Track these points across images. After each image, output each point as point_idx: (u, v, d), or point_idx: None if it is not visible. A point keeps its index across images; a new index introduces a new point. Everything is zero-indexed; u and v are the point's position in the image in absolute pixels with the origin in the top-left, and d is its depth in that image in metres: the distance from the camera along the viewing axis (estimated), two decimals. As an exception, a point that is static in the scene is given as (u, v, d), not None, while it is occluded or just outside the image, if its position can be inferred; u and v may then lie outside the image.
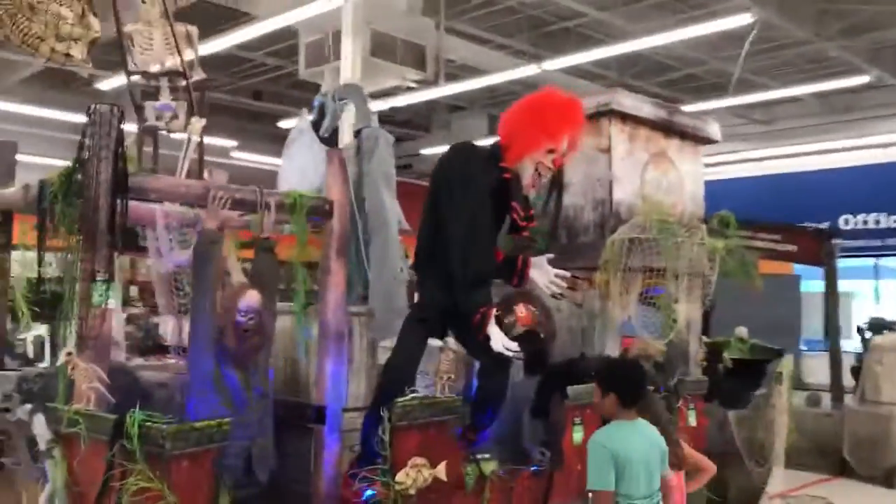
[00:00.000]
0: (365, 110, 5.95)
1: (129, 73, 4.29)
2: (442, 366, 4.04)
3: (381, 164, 5.79)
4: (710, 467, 5.02)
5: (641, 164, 6.41)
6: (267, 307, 4.09)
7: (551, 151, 4.51)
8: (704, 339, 7.27)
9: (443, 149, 5.88)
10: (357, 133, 5.82)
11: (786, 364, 6.93)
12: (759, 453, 6.63)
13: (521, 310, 4.43)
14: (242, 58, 13.71)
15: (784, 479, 7.42)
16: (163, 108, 4.47)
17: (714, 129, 6.99)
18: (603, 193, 6.18)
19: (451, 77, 11.44)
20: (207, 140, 4.63)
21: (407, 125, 17.41)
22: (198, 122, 4.26)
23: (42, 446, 3.63)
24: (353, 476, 4.01)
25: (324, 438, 4.39)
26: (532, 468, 4.66)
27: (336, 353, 4.45)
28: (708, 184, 7.15)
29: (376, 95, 11.72)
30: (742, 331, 8.64)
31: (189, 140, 4.26)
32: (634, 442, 3.89)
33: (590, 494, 3.78)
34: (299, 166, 6.03)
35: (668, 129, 6.63)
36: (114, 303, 3.67)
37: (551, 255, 5.19)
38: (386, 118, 18.01)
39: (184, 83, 4.52)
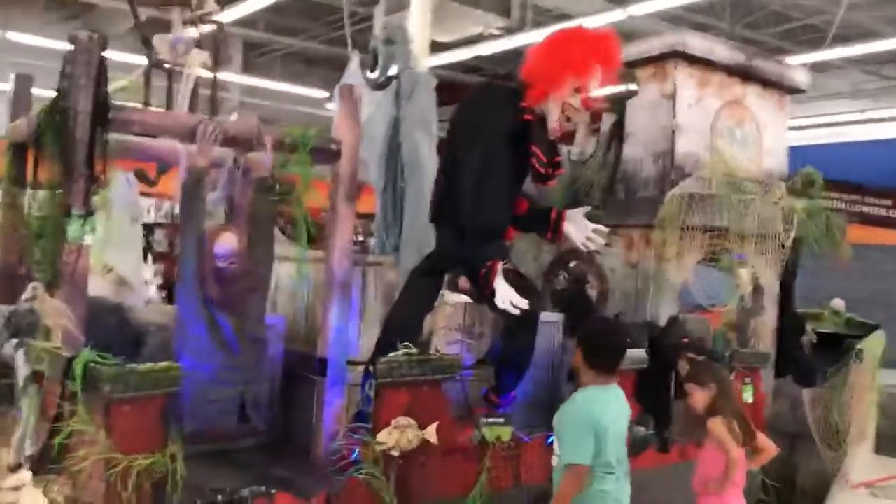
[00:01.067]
0: (406, 52, 5.64)
1: (132, 4, 4.11)
2: (439, 321, 3.72)
3: (419, 107, 5.48)
4: (771, 448, 4.52)
5: (712, 112, 5.83)
6: (260, 250, 3.87)
7: (579, 91, 4.07)
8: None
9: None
10: (398, 76, 5.54)
11: (873, 341, 6.22)
12: (833, 437, 6.00)
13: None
14: (335, 6, 13.56)
15: (871, 466, 6.75)
16: (176, 42, 4.31)
17: (801, 77, 6.29)
18: (665, 144, 5.65)
19: (539, 24, 10.87)
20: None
21: (505, 78, 16.88)
22: (198, 55, 4.06)
23: (20, 383, 3.56)
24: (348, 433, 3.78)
25: (324, 391, 4.16)
26: (548, 438, 4.29)
27: (341, 302, 4.19)
28: (827, 146, 6.46)
29: (459, 44, 11.35)
30: (838, 303, 7.88)
31: (188, 74, 4.04)
32: (612, 409, 3.62)
33: (563, 467, 3.45)
34: (353, 112, 5.81)
35: (746, 75, 6.00)
36: (90, 239, 3.53)
37: (587, 208, 4.78)
38: (474, 69, 17.69)
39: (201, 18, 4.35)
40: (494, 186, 3.97)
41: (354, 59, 6.00)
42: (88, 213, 3.50)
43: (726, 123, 5.91)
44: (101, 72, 3.53)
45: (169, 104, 4.18)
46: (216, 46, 4.44)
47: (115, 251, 4.58)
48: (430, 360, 3.66)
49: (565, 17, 10.77)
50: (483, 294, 3.93)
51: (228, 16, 15.15)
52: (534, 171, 4.13)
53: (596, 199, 5.83)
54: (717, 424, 4.12)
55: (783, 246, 5.78)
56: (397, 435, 3.51)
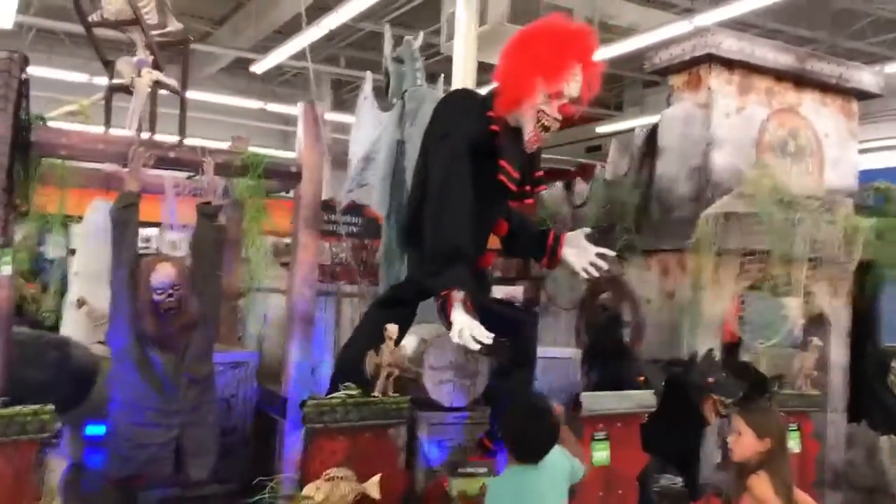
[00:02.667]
0: (415, 71, 5.27)
1: (86, 24, 3.93)
2: (384, 357, 3.28)
3: (424, 128, 5.09)
4: None
5: (758, 122, 5.17)
6: (203, 281, 3.56)
7: (555, 97, 3.56)
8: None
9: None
10: (402, 96, 5.18)
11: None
12: (918, 493, 5.14)
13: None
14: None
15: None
16: (140, 64, 4.10)
17: (870, 79, 5.52)
18: (700, 159, 5.03)
19: (604, 42, 10.29)
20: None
21: (595, 104, 16.31)
22: (147, 75, 3.81)
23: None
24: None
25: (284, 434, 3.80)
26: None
27: (302, 337, 3.84)
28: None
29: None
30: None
31: (137, 93, 3.80)
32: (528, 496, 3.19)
33: None
34: (366, 135, 5.50)
35: (799, 79, 5.31)
36: (8, 270, 3.30)
37: (588, 230, 4.24)
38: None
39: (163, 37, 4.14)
40: (457, 204, 3.50)
41: (368, 81, 5.69)
42: (6, 243, 3.28)
43: (776, 134, 5.23)
44: (22, 93, 3.33)
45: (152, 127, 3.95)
46: (184, 66, 4.18)
47: (89, 284, 4.37)
48: (371, 402, 3.22)
49: (632, 30, 10.17)
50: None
51: (314, 55, 15.43)
52: (506, 189, 3.64)
53: (629, 221, 5.25)
54: (762, 483, 3.43)
55: (846, 271, 5.04)
56: (327, 489, 3.08)
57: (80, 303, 4.40)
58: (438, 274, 3.46)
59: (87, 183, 4.27)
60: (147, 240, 4.68)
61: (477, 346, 3.42)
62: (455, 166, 3.52)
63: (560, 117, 3.62)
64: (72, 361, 3.78)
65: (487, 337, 3.37)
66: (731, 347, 5.83)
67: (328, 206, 14.13)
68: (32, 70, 3.48)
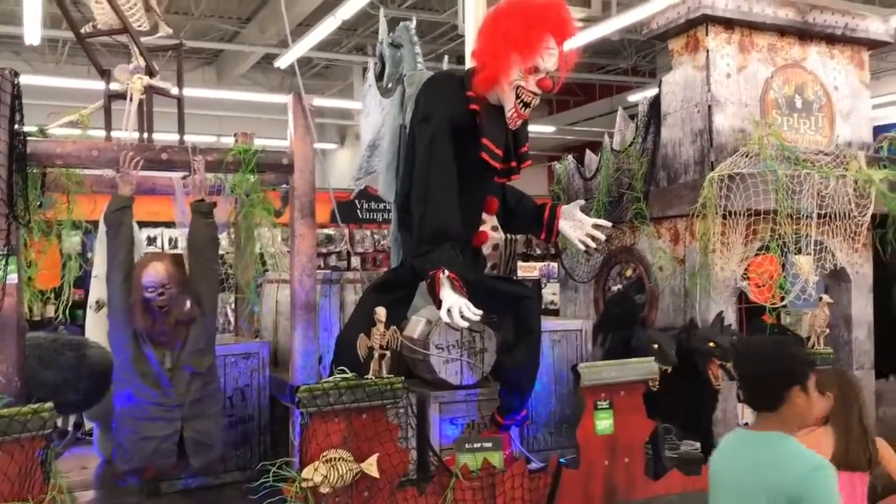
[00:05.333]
0: (413, 54, 5.30)
1: (79, 36, 4.06)
2: (376, 340, 3.35)
3: (422, 111, 5.13)
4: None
5: (762, 80, 5.08)
6: (199, 277, 3.68)
7: (531, 72, 3.58)
8: None
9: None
10: (401, 80, 5.22)
11: None
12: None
13: None
14: (441, 22, 13.43)
15: None
16: (136, 71, 4.22)
17: (878, 27, 5.38)
18: (701, 122, 4.97)
19: (625, 7, 10.17)
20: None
21: (631, 73, 16.13)
22: (139, 80, 3.93)
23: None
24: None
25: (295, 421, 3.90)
26: (530, 466, 3.81)
27: (305, 325, 3.93)
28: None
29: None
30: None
31: (130, 98, 3.93)
32: (729, 462, 2.71)
33: None
34: (372, 122, 5.57)
35: (803, 33, 5.20)
36: (14, 277, 3.46)
37: (582, 202, 4.26)
38: (598, 68, 16.96)
39: (166, 42, 4.27)
40: (441, 185, 3.56)
41: (371, 68, 5.74)
42: (10, 252, 3.43)
43: (782, 91, 5.14)
44: (16, 106, 3.47)
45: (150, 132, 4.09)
46: (179, 69, 4.29)
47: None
48: (365, 385, 3.30)
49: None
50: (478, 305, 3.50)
51: (340, 46, 15.51)
52: (491, 167, 3.68)
53: (637, 189, 5.23)
54: (823, 438, 3.44)
55: (861, 225, 4.94)
56: (325, 470, 3.17)
57: (99, 305, 4.56)
58: (426, 255, 3.53)
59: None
60: (153, 239, 4.81)
61: (465, 325, 3.49)
62: (437, 148, 3.58)
63: (539, 92, 3.65)
64: (87, 361, 3.95)
65: (476, 314, 3.43)
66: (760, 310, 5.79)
67: (366, 194, 14.17)
68: (40, 80, 3.62)
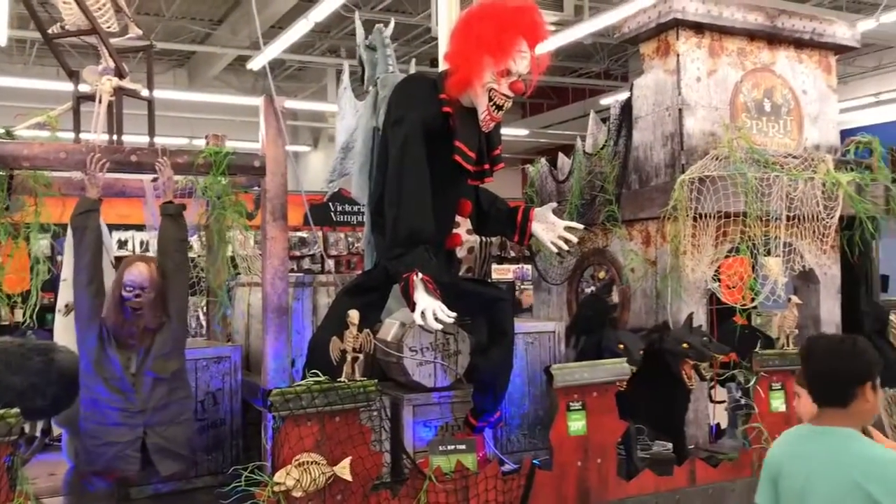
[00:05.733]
0: (386, 57, 5.30)
1: (46, 37, 4.02)
2: (348, 343, 3.35)
3: (395, 114, 5.13)
4: None
5: (731, 84, 5.14)
6: (169, 281, 3.64)
7: (503, 74, 3.59)
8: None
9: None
10: (376, 82, 5.22)
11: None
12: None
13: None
14: (415, 25, 13.44)
15: None
16: (105, 72, 4.18)
17: (844, 32, 5.46)
18: (672, 125, 5.02)
19: (598, 11, 10.24)
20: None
21: (604, 76, 16.23)
22: (108, 82, 3.90)
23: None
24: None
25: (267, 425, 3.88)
26: (504, 468, 3.82)
27: (277, 329, 3.92)
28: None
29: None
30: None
31: (99, 100, 3.89)
32: (801, 461, 2.66)
33: None
34: (347, 125, 5.56)
35: (772, 37, 5.27)
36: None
37: (554, 205, 4.29)
38: (571, 71, 17.07)
39: (136, 43, 4.23)
40: (413, 188, 3.56)
41: (346, 70, 5.74)
42: (-26, 254, 3.39)
43: (751, 94, 5.20)
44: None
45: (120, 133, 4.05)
46: (149, 71, 4.26)
47: (75, 290, 4.49)
48: (338, 388, 3.29)
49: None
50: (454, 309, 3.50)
51: (314, 48, 15.42)
52: (463, 170, 3.69)
53: (609, 192, 5.26)
54: None
55: (829, 227, 5.01)
56: (298, 474, 3.16)
57: (69, 309, 4.51)
58: (399, 258, 3.53)
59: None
60: (124, 242, 4.77)
61: (439, 327, 3.49)
62: (410, 151, 3.58)
63: (511, 94, 3.66)
64: (56, 366, 3.89)
65: (449, 316, 3.43)
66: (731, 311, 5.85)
67: (340, 196, 14.11)
68: (7, 81, 3.58)
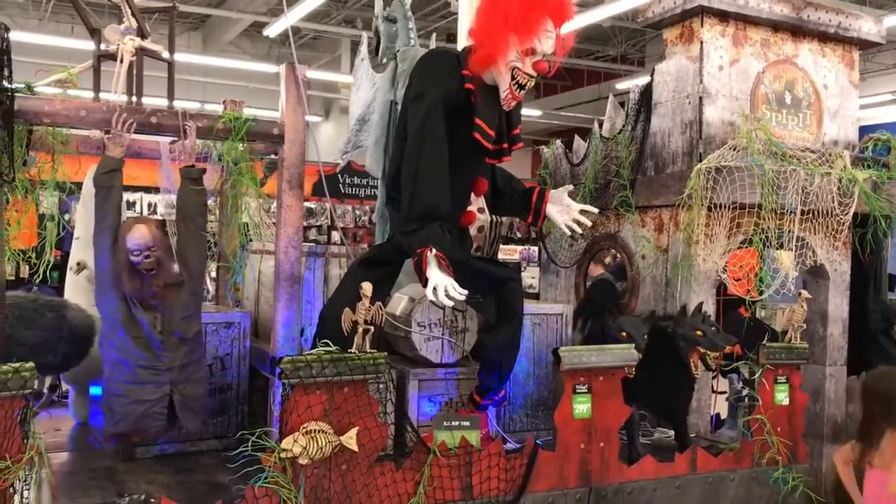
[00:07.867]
0: (407, 29, 5.27)
1: (73, -4, 4.00)
2: (360, 315, 3.35)
3: (415, 88, 5.10)
4: None
5: (753, 75, 5.11)
6: (187, 243, 3.66)
7: (528, 53, 3.57)
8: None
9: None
10: (395, 55, 5.19)
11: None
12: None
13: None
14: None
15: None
16: (127, 32, 4.17)
17: (870, 28, 5.41)
18: (692, 113, 4.99)
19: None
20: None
21: (620, 60, 16.13)
22: (130, 42, 3.88)
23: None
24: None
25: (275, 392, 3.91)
26: (506, 446, 3.84)
27: (288, 297, 3.94)
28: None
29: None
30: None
31: (120, 60, 3.88)
32: None
33: None
34: (363, 97, 5.54)
35: (796, 29, 5.22)
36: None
37: (570, 187, 4.28)
38: (587, 54, 16.94)
39: (158, 3, 4.21)
40: (431, 164, 3.55)
41: (364, 42, 5.71)
42: (-4, 209, 3.39)
43: (773, 86, 5.17)
44: (5, 61, 3.42)
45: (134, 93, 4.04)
46: (171, 32, 4.24)
47: (89, 248, 4.47)
48: (348, 358, 3.30)
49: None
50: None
51: (331, 18, 15.29)
52: (482, 147, 3.68)
53: (624, 177, 5.24)
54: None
55: (843, 223, 5.00)
56: (304, 441, 3.18)
57: (80, 267, 4.53)
58: (414, 233, 3.53)
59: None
60: (132, 203, 4.78)
61: (450, 303, 3.50)
62: (430, 126, 3.57)
63: (535, 74, 3.65)
64: (67, 322, 3.92)
65: (461, 293, 3.44)
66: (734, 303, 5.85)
67: (350, 168, 14.11)
68: (25, 37, 3.57)
